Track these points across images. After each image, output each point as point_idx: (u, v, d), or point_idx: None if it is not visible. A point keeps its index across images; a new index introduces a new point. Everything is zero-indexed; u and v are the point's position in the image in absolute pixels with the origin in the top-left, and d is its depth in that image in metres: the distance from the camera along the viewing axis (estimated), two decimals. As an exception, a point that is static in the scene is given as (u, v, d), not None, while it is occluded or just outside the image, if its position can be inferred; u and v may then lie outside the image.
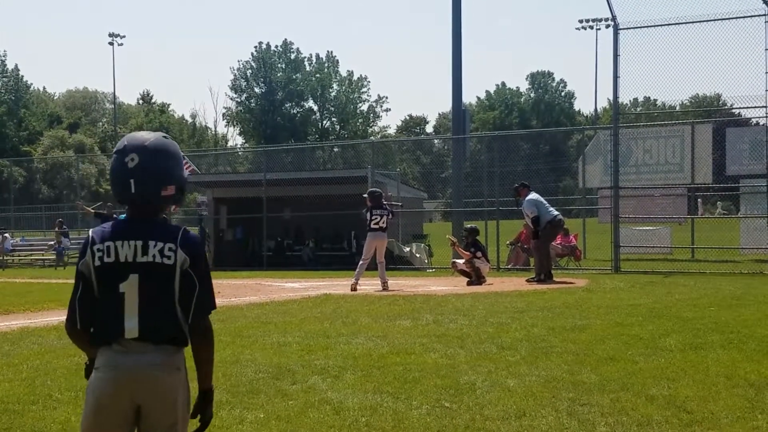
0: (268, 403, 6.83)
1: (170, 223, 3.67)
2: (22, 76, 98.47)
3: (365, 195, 18.29)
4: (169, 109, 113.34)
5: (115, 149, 3.62)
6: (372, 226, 17.66)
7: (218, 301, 11.93)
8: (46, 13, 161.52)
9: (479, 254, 18.62)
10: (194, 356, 3.63)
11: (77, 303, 3.61)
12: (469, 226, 20.26)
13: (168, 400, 3.51)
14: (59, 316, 12.66)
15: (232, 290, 17.51)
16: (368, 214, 17.74)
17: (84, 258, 3.56)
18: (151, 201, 3.59)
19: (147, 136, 3.64)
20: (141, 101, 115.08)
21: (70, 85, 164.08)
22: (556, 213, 18.91)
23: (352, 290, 16.76)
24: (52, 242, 35.63)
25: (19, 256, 35.94)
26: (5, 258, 33.98)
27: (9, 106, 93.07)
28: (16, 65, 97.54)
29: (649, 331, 10.08)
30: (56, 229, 36.73)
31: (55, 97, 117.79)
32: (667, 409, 6.41)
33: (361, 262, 17.73)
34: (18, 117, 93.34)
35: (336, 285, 18.15)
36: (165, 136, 3.73)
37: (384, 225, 17.71)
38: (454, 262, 19.67)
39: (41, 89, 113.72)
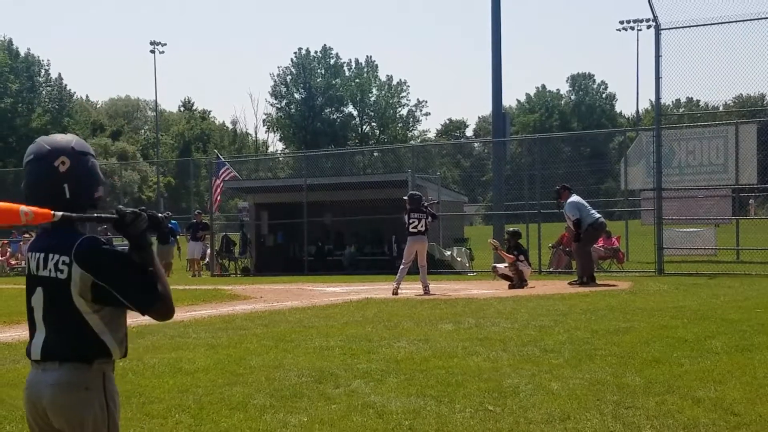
0: (311, 406, 6.85)
1: (75, 231, 3.41)
2: (66, 85, 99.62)
3: (405, 198, 18.30)
4: (210, 116, 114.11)
5: (32, 154, 3.42)
6: (410, 229, 17.65)
7: (260, 306, 11.97)
8: (88, 23, 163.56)
9: (522, 257, 18.54)
10: None
11: None
12: (511, 229, 20.18)
13: (72, 422, 3.34)
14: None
15: (273, 295, 17.59)
16: (407, 218, 17.74)
17: None
18: (87, 204, 3.46)
19: (69, 139, 3.50)
20: (182, 108, 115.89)
21: (113, 93, 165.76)
22: (597, 216, 18.77)
23: (393, 294, 16.74)
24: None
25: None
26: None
27: (53, 114, 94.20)
28: (60, 74, 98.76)
29: (695, 333, 9.97)
30: (101, 236, 37.18)
31: (98, 106, 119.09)
32: (714, 412, 6.34)
33: (402, 266, 17.72)
34: (62, 125, 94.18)
35: (377, 289, 18.15)
36: (76, 138, 3.57)
37: (422, 228, 17.67)
38: (494, 267, 19.59)
39: (84, 98, 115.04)
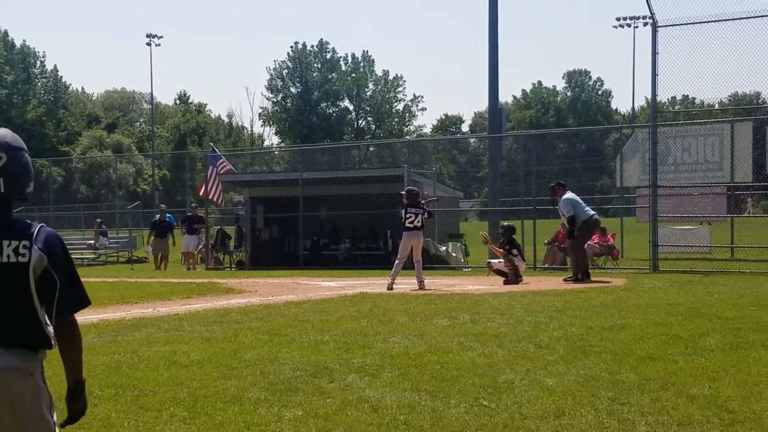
0: (306, 400, 6.85)
1: (25, 221, 3.50)
2: (61, 77, 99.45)
3: (402, 192, 18.30)
4: (205, 109, 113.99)
5: None
6: (407, 224, 17.67)
7: (255, 300, 11.94)
8: (84, 15, 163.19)
9: (515, 252, 18.56)
10: (61, 356, 3.50)
11: None
12: (505, 224, 20.18)
13: (21, 408, 3.39)
14: (98, 314, 12.81)
15: (268, 289, 17.59)
16: (403, 212, 17.75)
17: None
18: (17, 198, 3.49)
19: (4, 133, 3.52)
20: (178, 101, 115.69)
21: (109, 85, 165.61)
22: (592, 212, 18.80)
23: (388, 289, 16.73)
24: (91, 241, 35.99)
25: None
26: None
27: (48, 106, 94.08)
28: (56, 66, 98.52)
29: (689, 330, 9.98)
30: (95, 228, 37.16)
31: (94, 98, 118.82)
32: (708, 409, 6.35)
33: (397, 261, 17.73)
34: (57, 117, 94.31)
35: (372, 284, 18.15)
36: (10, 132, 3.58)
37: (419, 224, 17.67)
38: (489, 262, 19.60)
39: (80, 90, 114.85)
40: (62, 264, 3.45)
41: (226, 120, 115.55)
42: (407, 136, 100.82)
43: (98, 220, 38.16)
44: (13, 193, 3.45)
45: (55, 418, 3.51)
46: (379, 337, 9.93)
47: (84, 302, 3.56)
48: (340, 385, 7.40)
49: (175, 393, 7.16)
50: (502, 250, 18.54)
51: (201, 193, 29.35)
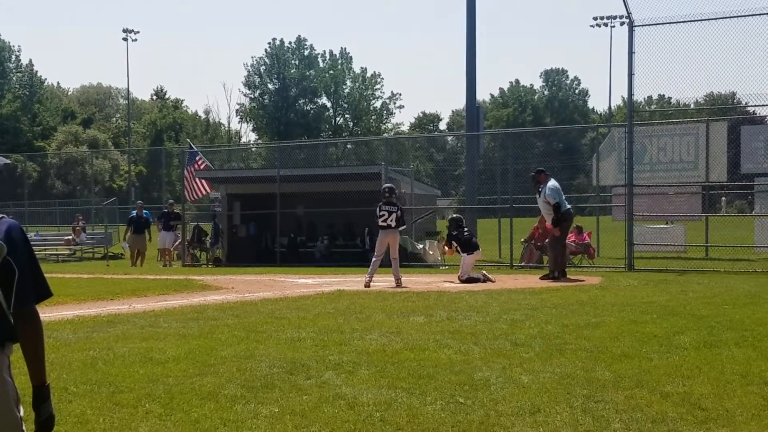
0: (283, 397, 6.85)
1: None
2: (36, 72, 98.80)
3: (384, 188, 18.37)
4: (182, 105, 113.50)
5: None
6: (380, 223, 17.72)
7: (231, 297, 11.91)
8: (60, 9, 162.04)
9: (455, 245, 18.79)
10: (23, 352, 3.44)
11: None
12: (451, 216, 20.22)
13: None
14: (73, 311, 12.74)
15: (245, 286, 17.56)
16: (377, 210, 17.80)
17: None
18: None
19: None
20: (155, 97, 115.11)
21: (84, 80, 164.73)
22: (568, 205, 18.93)
23: (365, 287, 16.76)
24: (69, 237, 35.76)
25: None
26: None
27: (23, 101, 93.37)
28: (31, 60, 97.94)
29: (664, 328, 10.06)
30: (75, 224, 36.93)
31: (69, 93, 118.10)
32: (681, 407, 6.40)
33: (374, 259, 17.76)
34: (32, 112, 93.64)
35: (349, 281, 18.16)
36: None
37: (392, 223, 17.70)
38: (459, 277, 19.03)
39: (55, 84, 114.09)
40: (22, 253, 3.40)
41: (203, 116, 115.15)
42: (385, 134, 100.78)
43: (79, 216, 37.95)
44: None
45: (22, 413, 3.44)
46: (356, 335, 9.95)
47: (44, 293, 3.49)
48: (316, 382, 7.41)
49: (151, 389, 7.13)
50: (451, 249, 18.89)
51: (190, 198, 29.40)
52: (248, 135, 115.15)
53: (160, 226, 29.79)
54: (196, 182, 29.10)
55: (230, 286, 17.55)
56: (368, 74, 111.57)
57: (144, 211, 30.07)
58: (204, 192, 29.60)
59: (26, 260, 3.41)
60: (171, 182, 63.70)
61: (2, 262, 3.34)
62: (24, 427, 3.43)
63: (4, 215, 3.46)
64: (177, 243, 29.71)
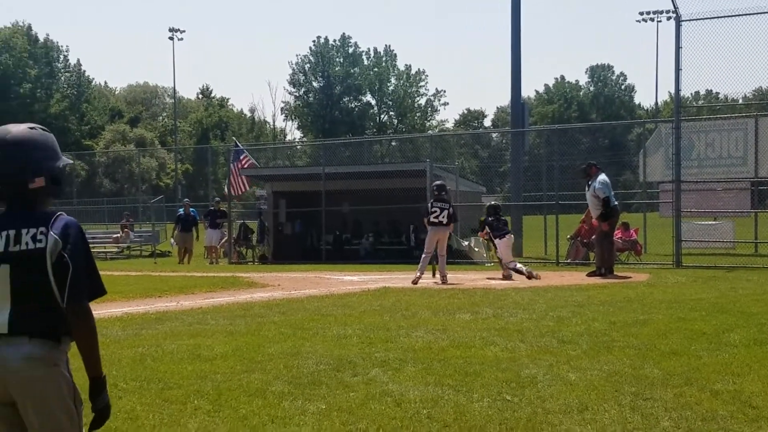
0: (330, 394, 6.88)
1: (47, 211, 3.55)
2: (84, 71, 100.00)
3: (434, 186, 18.44)
4: (228, 104, 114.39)
5: None
6: (431, 219, 17.69)
7: (277, 294, 11.96)
8: (108, 9, 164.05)
9: (489, 231, 18.75)
10: (77, 345, 3.49)
11: None
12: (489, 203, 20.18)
13: (43, 397, 3.41)
14: (122, 308, 12.90)
15: (291, 283, 17.65)
16: (429, 206, 17.81)
17: None
18: (21, 194, 3.52)
19: (11, 130, 3.58)
20: (200, 96, 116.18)
21: (131, 79, 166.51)
22: (616, 202, 18.79)
23: (413, 283, 16.78)
24: (117, 234, 36.20)
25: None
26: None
27: (71, 101, 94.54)
28: (79, 60, 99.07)
29: (713, 326, 9.95)
30: (123, 222, 37.36)
31: (117, 92, 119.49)
32: (732, 404, 6.33)
33: (423, 255, 17.76)
34: (80, 111, 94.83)
35: (394, 278, 18.18)
36: (32, 128, 3.65)
37: (444, 220, 17.67)
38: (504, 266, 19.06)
39: (103, 84, 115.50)
40: (77, 250, 3.44)
41: (249, 114, 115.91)
42: (429, 131, 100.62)
43: (127, 213, 38.41)
44: (10, 189, 3.51)
45: (81, 410, 3.52)
46: (402, 332, 9.95)
47: (98, 291, 3.54)
48: (363, 379, 7.43)
49: (199, 386, 7.20)
50: (484, 233, 18.83)
51: (236, 192, 29.71)
52: (293, 133, 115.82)
53: (206, 224, 30.07)
54: (240, 179, 29.34)
55: (276, 283, 17.66)
56: (413, 71, 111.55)
57: (191, 209, 30.36)
58: (244, 189, 29.83)
59: (82, 257, 3.45)
60: (217, 180, 64.13)
61: (57, 258, 3.40)
62: (81, 422, 3.50)
63: (62, 213, 3.52)
64: (223, 241, 29.96)
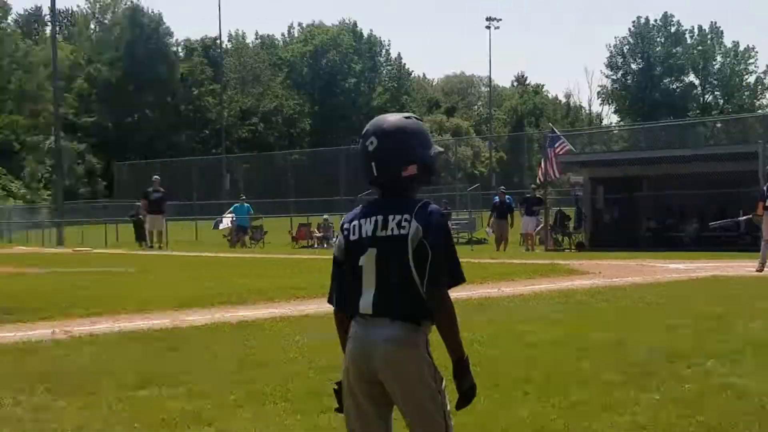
0: (663, 385, 6.58)
1: (414, 199, 3.63)
2: (404, 64, 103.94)
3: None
4: (543, 90, 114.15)
5: (361, 133, 3.66)
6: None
7: (599, 281, 11.71)
8: (426, 2, 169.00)
9: None
10: (437, 329, 3.52)
11: (331, 282, 3.74)
12: None
13: (404, 377, 3.49)
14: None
15: (612, 270, 17.21)
16: (764, 190, 16.77)
17: (336, 239, 3.74)
18: (394, 181, 3.60)
19: (388, 118, 3.68)
20: (515, 83, 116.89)
21: (448, 70, 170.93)
22: None
23: (757, 271, 16.07)
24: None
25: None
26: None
27: (392, 93, 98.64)
28: (399, 54, 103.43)
29: None
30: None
31: (434, 83, 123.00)
32: None
33: (763, 242, 16.74)
34: (400, 103, 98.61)
35: (724, 266, 17.20)
36: (407, 117, 3.71)
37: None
38: None
39: (421, 76, 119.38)
40: (437, 237, 3.51)
41: (564, 100, 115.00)
42: (759, 110, 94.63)
43: (444, 201, 39.45)
44: (386, 176, 3.63)
45: (444, 390, 3.58)
46: (737, 323, 9.36)
47: (458, 278, 3.58)
48: (698, 370, 7.04)
49: (526, 372, 7.15)
50: None
51: (547, 179, 29.60)
52: (609, 117, 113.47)
53: (522, 211, 30.14)
54: (554, 165, 29.14)
55: (597, 270, 17.27)
56: (741, 48, 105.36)
57: (506, 196, 30.55)
58: (557, 176, 29.59)
59: (442, 245, 3.53)
60: (531, 167, 64.32)
61: (418, 245, 3.49)
62: (445, 402, 3.56)
63: (429, 201, 3.63)
64: (539, 227, 29.90)
